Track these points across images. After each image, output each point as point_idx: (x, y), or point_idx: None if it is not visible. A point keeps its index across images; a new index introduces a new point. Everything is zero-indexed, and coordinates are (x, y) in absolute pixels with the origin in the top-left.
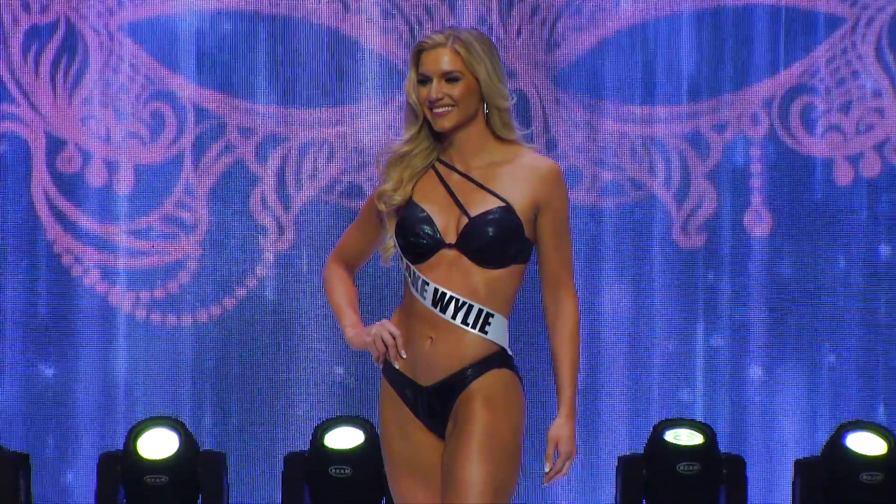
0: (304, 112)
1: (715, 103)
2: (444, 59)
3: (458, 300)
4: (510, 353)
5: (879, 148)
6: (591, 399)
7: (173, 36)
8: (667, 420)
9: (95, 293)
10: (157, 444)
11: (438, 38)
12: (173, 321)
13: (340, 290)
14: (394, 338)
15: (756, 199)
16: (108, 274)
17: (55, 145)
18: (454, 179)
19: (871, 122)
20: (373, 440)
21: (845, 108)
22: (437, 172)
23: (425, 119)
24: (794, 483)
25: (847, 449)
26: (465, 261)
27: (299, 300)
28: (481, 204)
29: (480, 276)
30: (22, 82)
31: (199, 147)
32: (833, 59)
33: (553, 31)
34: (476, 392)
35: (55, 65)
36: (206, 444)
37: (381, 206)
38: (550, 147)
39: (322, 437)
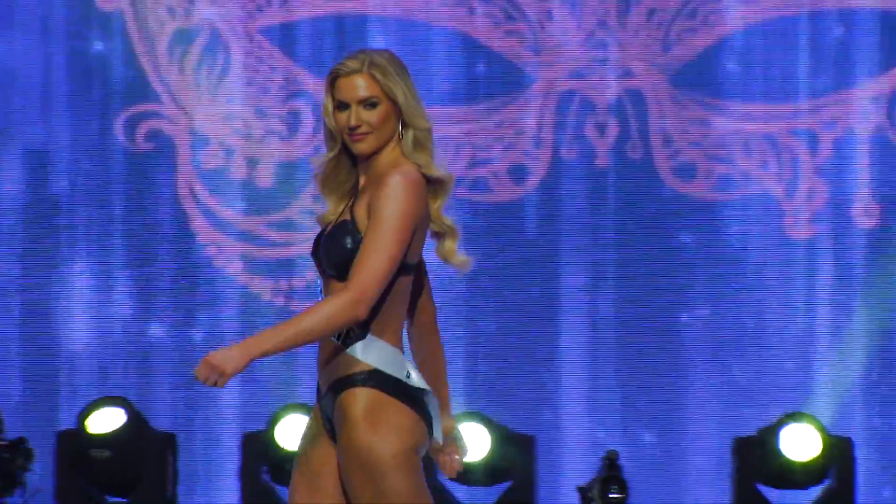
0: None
1: (824, 101)
2: (361, 86)
3: None
4: None
5: None
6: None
7: (307, 38)
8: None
9: (237, 283)
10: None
11: (353, 64)
12: None
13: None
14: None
15: (864, 192)
16: (249, 264)
17: (199, 142)
18: None
19: None
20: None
21: None
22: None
23: (343, 142)
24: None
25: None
26: None
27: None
28: None
29: None
30: (168, 83)
31: None
32: None
33: (669, 32)
34: None
35: (199, 66)
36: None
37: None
38: (667, 143)
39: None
